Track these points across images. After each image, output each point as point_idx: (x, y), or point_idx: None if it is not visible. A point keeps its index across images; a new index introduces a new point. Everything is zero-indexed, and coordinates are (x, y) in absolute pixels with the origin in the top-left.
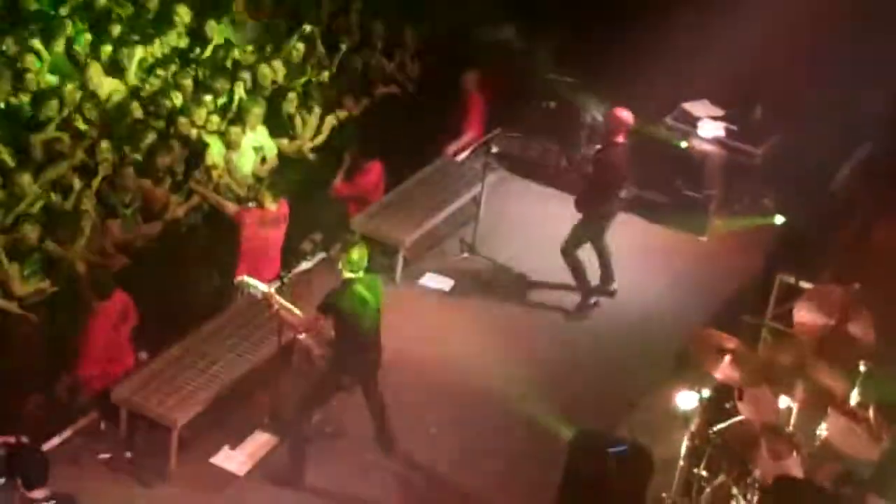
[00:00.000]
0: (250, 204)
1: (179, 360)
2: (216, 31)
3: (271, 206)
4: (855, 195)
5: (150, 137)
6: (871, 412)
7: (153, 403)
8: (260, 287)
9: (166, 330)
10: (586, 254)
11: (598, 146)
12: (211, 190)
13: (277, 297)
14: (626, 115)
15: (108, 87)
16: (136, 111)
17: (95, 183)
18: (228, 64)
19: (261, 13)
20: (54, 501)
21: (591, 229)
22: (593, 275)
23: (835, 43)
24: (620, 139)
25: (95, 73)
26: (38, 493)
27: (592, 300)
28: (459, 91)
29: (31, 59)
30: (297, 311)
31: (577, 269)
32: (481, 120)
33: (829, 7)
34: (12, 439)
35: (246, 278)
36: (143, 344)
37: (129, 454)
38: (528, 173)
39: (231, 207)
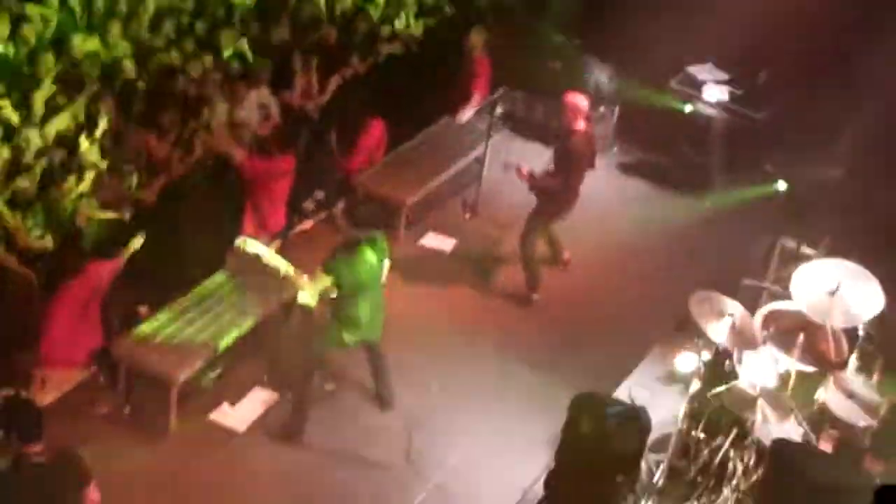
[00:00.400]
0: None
1: (180, 316)
2: None
3: (278, 156)
4: (856, 160)
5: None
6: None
7: (153, 360)
8: (260, 249)
9: (167, 285)
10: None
11: (559, 136)
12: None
13: (278, 259)
14: (580, 100)
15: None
16: (129, 69)
17: (97, 136)
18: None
19: None
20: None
21: (543, 220)
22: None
23: (839, 11)
24: (579, 126)
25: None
26: (34, 447)
27: (536, 296)
28: (464, 51)
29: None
30: (295, 271)
31: (532, 261)
32: (487, 80)
33: None
34: (7, 393)
35: (245, 240)
36: (144, 299)
37: (127, 410)
38: (532, 134)
39: (239, 154)
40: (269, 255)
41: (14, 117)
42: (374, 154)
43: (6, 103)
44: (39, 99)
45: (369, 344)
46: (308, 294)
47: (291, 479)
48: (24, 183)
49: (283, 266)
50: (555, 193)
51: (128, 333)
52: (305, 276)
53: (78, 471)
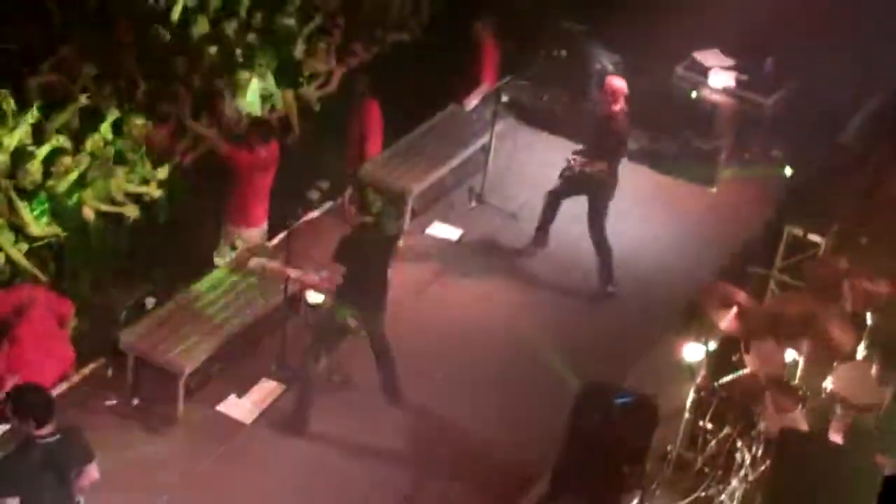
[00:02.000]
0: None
1: (187, 308)
2: None
3: (261, 147)
4: (865, 148)
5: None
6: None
7: (160, 351)
8: (268, 265)
9: (174, 276)
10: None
11: (601, 115)
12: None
13: (287, 268)
14: (620, 82)
15: None
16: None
17: (103, 128)
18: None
19: None
20: (59, 435)
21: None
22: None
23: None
24: (618, 107)
25: None
26: (44, 430)
27: (611, 287)
28: (471, 39)
29: None
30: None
31: (608, 252)
32: (494, 68)
33: None
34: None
35: (256, 260)
36: (151, 289)
37: (135, 401)
38: (538, 122)
39: (224, 147)
40: (267, 265)
41: (12, 104)
42: (373, 136)
43: (4, 91)
44: (35, 85)
45: (374, 331)
46: (316, 293)
47: (296, 470)
48: (28, 169)
49: (281, 269)
50: (607, 178)
51: (135, 325)
52: (310, 274)
53: (81, 448)
